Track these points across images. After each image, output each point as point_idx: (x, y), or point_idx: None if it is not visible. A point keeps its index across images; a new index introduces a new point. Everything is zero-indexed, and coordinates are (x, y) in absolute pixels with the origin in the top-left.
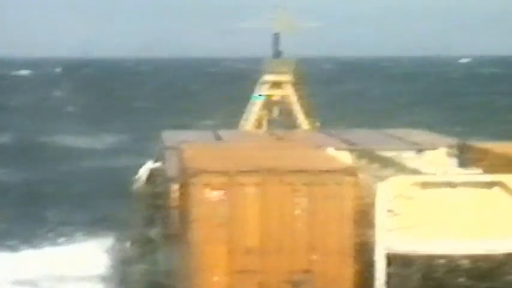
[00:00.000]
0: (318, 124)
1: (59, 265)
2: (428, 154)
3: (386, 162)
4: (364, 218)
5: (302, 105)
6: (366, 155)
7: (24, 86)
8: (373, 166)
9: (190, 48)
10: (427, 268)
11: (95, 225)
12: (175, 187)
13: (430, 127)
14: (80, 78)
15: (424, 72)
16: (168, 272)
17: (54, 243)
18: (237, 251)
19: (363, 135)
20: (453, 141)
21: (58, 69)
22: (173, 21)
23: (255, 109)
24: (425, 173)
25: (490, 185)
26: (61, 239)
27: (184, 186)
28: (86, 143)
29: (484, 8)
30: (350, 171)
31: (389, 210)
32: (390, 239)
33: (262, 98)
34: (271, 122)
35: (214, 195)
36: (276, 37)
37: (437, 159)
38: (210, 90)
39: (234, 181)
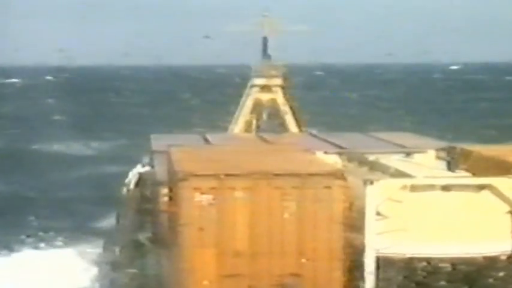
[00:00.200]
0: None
1: (39, 270)
2: (417, 157)
3: (375, 166)
4: (353, 221)
5: (291, 109)
6: (355, 158)
7: (17, 94)
8: (362, 169)
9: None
10: (416, 271)
11: (80, 230)
12: (164, 191)
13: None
14: (69, 85)
15: (413, 78)
16: (157, 276)
17: (35, 247)
18: (227, 255)
19: (351, 139)
20: (442, 144)
21: (48, 77)
22: (152, 27)
23: (244, 112)
24: (414, 176)
25: (479, 188)
26: (42, 244)
27: (173, 190)
28: (76, 150)
29: (473, 15)
30: (339, 175)
31: (378, 214)
32: (379, 242)
33: None
34: (260, 126)
35: (204, 198)
36: (265, 41)
37: (426, 162)
38: (198, 96)
39: (223, 185)
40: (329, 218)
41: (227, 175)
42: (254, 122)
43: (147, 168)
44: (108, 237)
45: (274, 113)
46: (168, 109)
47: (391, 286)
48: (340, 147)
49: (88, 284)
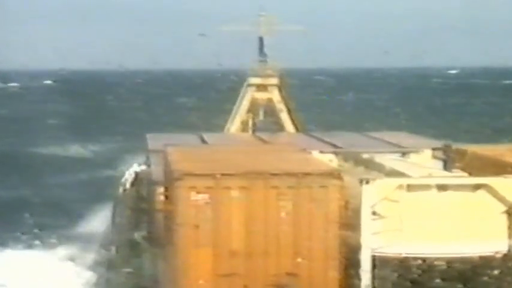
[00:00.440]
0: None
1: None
2: (413, 157)
3: (371, 165)
4: (349, 220)
5: (287, 108)
6: (351, 157)
7: (16, 98)
8: (358, 169)
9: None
10: (411, 269)
11: (74, 229)
12: (160, 190)
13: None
14: (67, 89)
15: (410, 81)
16: (153, 276)
17: (29, 245)
18: (222, 255)
19: (347, 138)
20: (438, 143)
21: (47, 81)
22: (149, 31)
23: (240, 112)
24: (410, 176)
25: (475, 187)
26: (36, 242)
27: (169, 190)
28: (73, 153)
29: (472, 19)
30: (335, 174)
31: (374, 213)
32: (375, 241)
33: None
34: (256, 125)
35: (200, 198)
36: (261, 40)
37: (422, 162)
38: (195, 99)
39: (219, 184)
40: (325, 217)
41: (223, 174)
42: (250, 121)
43: (143, 167)
44: (103, 236)
45: (271, 113)
46: (164, 112)
47: (387, 285)
48: (336, 146)
49: (84, 282)
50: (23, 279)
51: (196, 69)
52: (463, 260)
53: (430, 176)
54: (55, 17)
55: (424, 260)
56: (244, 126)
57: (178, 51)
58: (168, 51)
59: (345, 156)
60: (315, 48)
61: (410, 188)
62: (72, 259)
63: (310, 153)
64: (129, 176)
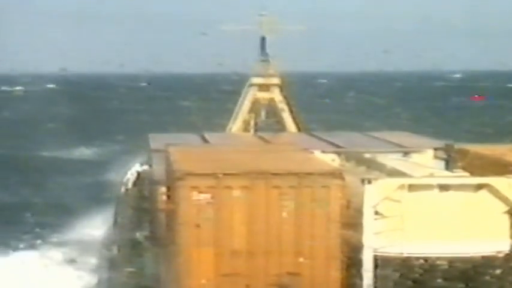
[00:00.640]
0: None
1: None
2: (415, 156)
3: (373, 165)
4: (351, 220)
5: (289, 108)
6: (353, 157)
7: (20, 101)
8: (360, 169)
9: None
10: (413, 269)
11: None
12: (162, 190)
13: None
14: (70, 92)
15: (414, 85)
16: (155, 275)
17: (31, 245)
18: (224, 254)
19: (349, 138)
20: (440, 143)
21: (50, 85)
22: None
23: (242, 112)
24: (411, 176)
25: (477, 187)
26: (38, 241)
27: (171, 189)
28: (75, 155)
29: (477, 22)
30: (337, 174)
31: (376, 213)
32: (377, 241)
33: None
34: (258, 125)
35: (201, 197)
36: (262, 40)
37: (424, 162)
38: (196, 102)
39: (221, 184)
40: (327, 217)
41: (225, 174)
42: (252, 121)
43: (145, 167)
44: (105, 236)
45: (272, 112)
46: (167, 115)
47: (389, 284)
48: (338, 146)
49: (86, 282)
50: (24, 282)
51: (198, 72)
52: (465, 260)
53: (431, 175)
54: (57, 20)
55: (426, 259)
56: (246, 126)
57: (179, 53)
58: (169, 54)
59: (347, 156)
60: (317, 51)
61: (412, 187)
62: (73, 260)
63: (312, 153)
64: (131, 175)
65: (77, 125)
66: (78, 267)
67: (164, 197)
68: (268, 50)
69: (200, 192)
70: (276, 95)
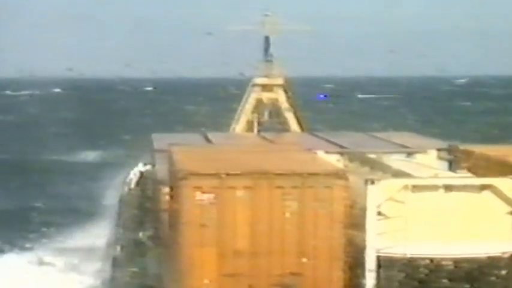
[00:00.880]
0: None
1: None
2: (419, 157)
3: (377, 165)
4: (354, 221)
5: (292, 108)
6: (356, 158)
7: (27, 105)
8: (363, 169)
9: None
10: (418, 269)
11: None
12: (165, 190)
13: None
14: (76, 97)
15: (419, 89)
16: (158, 275)
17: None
18: (227, 254)
19: (353, 138)
20: (443, 144)
21: (56, 89)
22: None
23: (245, 112)
24: (415, 176)
25: (480, 188)
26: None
27: (174, 189)
28: (80, 158)
29: (482, 26)
30: (340, 174)
31: (379, 213)
32: (380, 241)
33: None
34: (261, 125)
35: (205, 197)
36: (266, 40)
37: (428, 162)
38: (202, 106)
39: (224, 184)
40: (330, 217)
41: (228, 174)
42: (255, 121)
43: (148, 167)
44: (108, 236)
45: (276, 113)
46: (174, 119)
47: (392, 285)
48: (342, 146)
49: (89, 282)
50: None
51: (204, 76)
52: (470, 260)
53: (435, 176)
54: (61, 25)
55: (431, 260)
56: (249, 126)
57: (185, 57)
58: (175, 57)
59: (350, 157)
60: (321, 55)
61: (415, 188)
62: (75, 266)
63: (315, 153)
64: (134, 175)
65: (83, 129)
66: (80, 272)
67: (167, 197)
68: (273, 53)
69: (203, 192)
70: (280, 95)
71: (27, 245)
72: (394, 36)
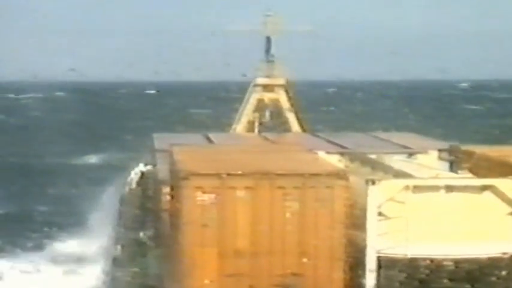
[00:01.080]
0: None
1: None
2: (419, 158)
3: (377, 166)
4: (354, 221)
5: (294, 109)
6: (357, 158)
7: (29, 109)
8: (364, 169)
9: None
10: (416, 271)
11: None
12: (166, 190)
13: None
14: (79, 100)
15: (421, 94)
16: (158, 275)
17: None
18: (228, 254)
19: (354, 139)
20: (444, 144)
21: (59, 93)
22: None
23: (246, 112)
24: (416, 177)
25: (481, 189)
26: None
27: (175, 189)
28: (86, 162)
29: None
30: (341, 175)
31: (380, 214)
32: (381, 242)
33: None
34: (262, 125)
35: (206, 198)
36: (268, 40)
37: (428, 163)
38: (205, 109)
39: (225, 184)
40: (331, 217)
41: (229, 174)
42: (256, 121)
43: (149, 166)
44: (110, 235)
45: (277, 113)
46: (174, 121)
47: (393, 285)
48: (343, 147)
49: (90, 281)
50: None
51: (206, 79)
52: (471, 261)
53: (436, 177)
54: (64, 29)
55: (432, 260)
56: (250, 126)
57: (187, 60)
58: (177, 61)
59: (351, 157)
60: (323, 58)
61: (416, 189)
62: (78, 255)
63: (316, 153)
64: (135, 175)
65: (86, 132)
66: (81, 273)
67: (168, 197)
68: (275, 54)
69: (204, 192)
70: (281, 96)
71: (29, 244)
72: (397, 40)
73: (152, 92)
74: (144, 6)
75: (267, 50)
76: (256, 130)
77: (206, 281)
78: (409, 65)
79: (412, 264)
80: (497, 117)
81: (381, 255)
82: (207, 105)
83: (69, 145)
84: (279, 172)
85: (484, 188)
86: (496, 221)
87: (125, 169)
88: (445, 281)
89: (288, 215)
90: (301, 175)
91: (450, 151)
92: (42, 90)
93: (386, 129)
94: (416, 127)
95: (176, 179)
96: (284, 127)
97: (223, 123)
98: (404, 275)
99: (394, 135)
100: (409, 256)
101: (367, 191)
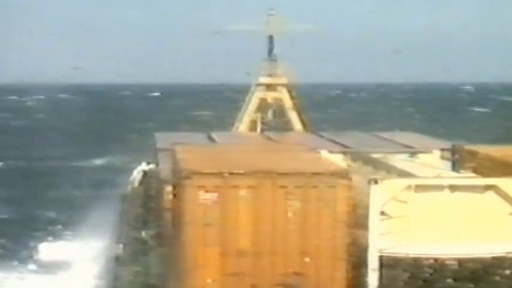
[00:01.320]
0: None
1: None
2: (422, 157)
3: (380, 165)
4: (357, 220)
5: (296, 108)
6: (359, 157)
7: (32, 111)
8: (367, 169)
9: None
10: (420, 271)
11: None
12: (168, 189)
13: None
14: (82, 102)
15: (425, 97)
16: (160, 274)
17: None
18: (230, 254)
19: (356, 138)
20: (447, 144)
21: (62, 95)
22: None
23: (249, 111)
24: (418, 176)
25: (483, 188)
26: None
27: (177, 188)
28: (89, 165)
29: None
30: (343, 174)
31: (382, 213)
32: (383, 241)
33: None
34: (265, 124)
35: (208, 197)
36: (271, 40)
37: (431, 162)
38: (209, 111)
39: (228, 183)
40: (333, 217)
41: (231, 173)
42: (259, 120)
43: (151, 165)
44: (112, 234)
45: (279, 112)
46: (178, 123)
47: (395, 285)
48: (345, 146)
49: (92, 280)
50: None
51: (210, 82)
52: (475, 260)
53: (438, 176)
54: (67, 32)
55: (436, 259)
56: (252, 126)
57: (190, 62)
58: (180, 63)
59: (354, 156)
60: (325, 60)
61: (418, 188)
62: (81, 254)
63: (318, 152)
64: (137, 174)
65: (89, 134)
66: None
67: (170, 196)
68: (277, 53)
69: (206, 191)
70: (283, 95)
71: (32, 243)
72: (401, 42)
73: (156, 94)
74: (144, 6)
75: (270, 49)
76: (258, 129)
77: (208, 280)
78: (413, 67)
79: (415, 263)
80: (502, 118)
81: (383, 254)
82: (210, 106)
83: (73, 147)
84: (282, 171)
85: (487, 187)
86: (498, 220)
87: (129, 171)
88: (449, 280)
89: (290, 214)
90: (304, 174)
91: (453, 151)
92: (45, 92)
93: (391, 130)
94: (421, 128)
95: (178, 178)
96: (286, 126)
97: (227, 122)
98: (408, 274)
99: (396, 135)
100: (411, 256)
101: (370, 190)
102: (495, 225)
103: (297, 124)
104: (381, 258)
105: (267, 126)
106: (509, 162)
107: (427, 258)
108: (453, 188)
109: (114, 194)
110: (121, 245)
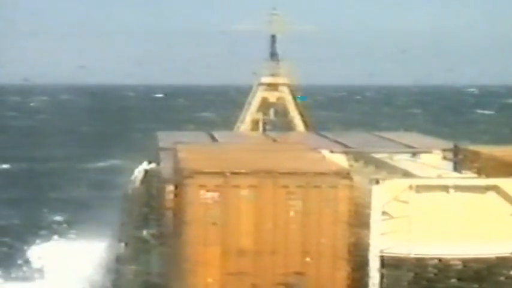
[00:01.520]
0: None
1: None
2: (424, 157)
3: (381, 165)
4: (358, 220)
5: (298, 108)
6: (361, 157)
7: (34, 112)
8: (368, 169)
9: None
10: (421, 271)
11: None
12: (169, 188)
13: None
14: (84, 103)
15: (430, 99)
16: (161, 273)
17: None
18: (231, 253)
19: (357, 138)
20: (448, 144)
21: (66, 96)
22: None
23: (250, 111)
24: (420, 176)
25: (485, 188)
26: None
27: (179, 187)
28: (91, 167)
29: (493, 35)
30: (345, 174)
31: (383, 213)
32: (384, 242)
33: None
34: (266, 124)
35: (209, 196)
36: (273, 39)
37: (432, 162)
38: (212, 113)
39: (229, 182)
40: (334, 217)
41: (233, 173)
42: (261, 120)
43: (152, 165)
44: (113, 233)
45: (281, 112)
46: (182, 124)
47: (402, 284)
48: (347, 146)
49: (93, 279)
50: None
51: (213, 83)
52: (479, 260)
53: (439, 176)
54: (69, 33)
55: (440, 259)
56: (254, 125)
57: (194, 63)
58: (183, 64)
59: (355, 156)
60: (326, 62)
61: (420, 188)
62: (84, 253)
63: (320, 152)
64: (138, 173)
65: (92, 135)
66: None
67: (172, 195)
68: (279, 52)
69: (208, 190)
70: (285, 94)
71: (36, 243)
72: (406, 44)
73: (160, 95)
74: (148, 7)
75: (272, 49)
76: (260, 129)
77: (209, 280)
78: (417, 69)
79: (419, 263)
80: (507, 120)
81: (384, 254)
82: (214, 106)
83: (77, 148)
84: (283, 171)
85: (489, 187)
86: (500, 221)
87: (132, 172)
88: (453, 280)
89: (291, 214)
90: (305, 174)
91: (454, 151)
92: (48, 93)
93: (395, 131)
94: (425, 129)
95: (180, 177)
96: (288, 126)
97: (231, 122)
98: (412, 274)
99: (398, 135)
100: (413, 256)
101: (371, 190)
102: (497, 225)
103: (298, 124)
104: (382, 258)
105: (268, 126)
106: (511, 162)
107: (431, 258)
108: (455, 188)
109: (117, 194)
110: (122, 244)
